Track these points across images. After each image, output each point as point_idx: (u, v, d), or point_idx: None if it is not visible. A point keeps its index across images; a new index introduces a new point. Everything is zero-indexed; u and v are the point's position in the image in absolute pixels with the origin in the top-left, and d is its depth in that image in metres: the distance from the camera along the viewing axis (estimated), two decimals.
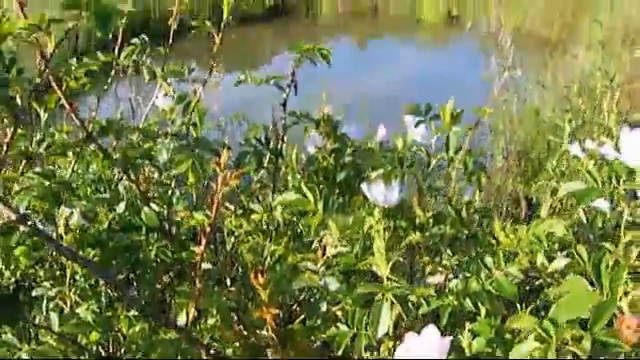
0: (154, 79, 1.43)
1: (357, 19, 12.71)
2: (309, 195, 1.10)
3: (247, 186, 1.66)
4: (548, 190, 1.40)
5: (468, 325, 0.95)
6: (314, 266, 1.03)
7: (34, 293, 1.20)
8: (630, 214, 1.01)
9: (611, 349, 0.71)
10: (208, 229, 1.01)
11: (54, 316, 1.17)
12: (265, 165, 1.56)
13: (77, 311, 1.20)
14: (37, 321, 1.23)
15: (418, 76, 8.29)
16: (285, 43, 11.19)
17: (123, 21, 1.41)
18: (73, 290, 1.21)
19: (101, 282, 1.27)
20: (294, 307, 1.35)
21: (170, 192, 1.45)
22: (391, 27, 12.32)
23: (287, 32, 12.18)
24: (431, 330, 0.82)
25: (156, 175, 1.53)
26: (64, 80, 1.29)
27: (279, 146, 1.52)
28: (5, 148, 1.06)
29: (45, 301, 1.22)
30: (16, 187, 1.28)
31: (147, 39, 1.54)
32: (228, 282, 1.38)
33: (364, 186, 1.13)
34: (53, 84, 1.15)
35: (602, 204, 1.13)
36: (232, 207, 1.45)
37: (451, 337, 0.83)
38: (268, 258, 1.30)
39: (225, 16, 1.34)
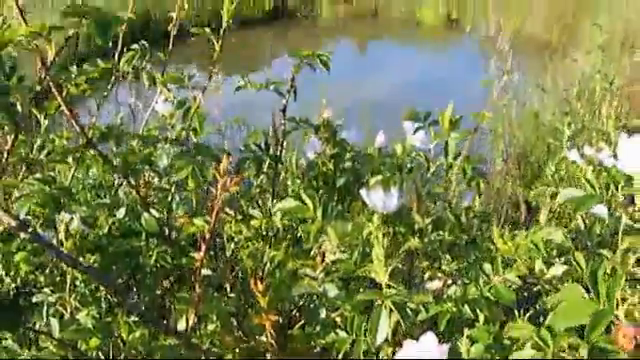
0: (154, 85, 1.43)
1: (357, 22, 12.72)
2: (308, 202, 1.11)
3: (247, 191, 1.66)
4: (547, 195, 1.40)
5: (466, 331, 0.95)
6: (313, 272, 1.03)
7: (34, 299, 1.20)
8: (630, 218, 1.01)
9: (608, 356, 0.71)
10: (208, 235, 1.01)
11: (54, 322, 1.17)
12: (265, 170, 1.56)
13: (77, 317, 1.20)
14: (37, 327, 1.24)
15: (418, 79, 8.29)
16: (285, 46, 11.23)
17: (123, 27, 1.41)
18: (73, 296, 1.22)
19: (101, 287, 1.27)
20: (294, 312, 1.35)
21: (170, 197, 1.45)
22: (391, 30, 12.33)
23: (287, 35, 12.20)
24: (429, 337, 0.82)
25: (156, 180, 1.53)
26: (64, 86, 1.29)
27: (279, 152, 1.52)
28: (5, 155, 1.07)
29: (45, 307, 1.22)
30: (16, 193, 1.29)
31: (147, 45, 1.55)
32: (228, 288, 1.39)
33: (363, 192, 1.14)
34: (53, 90, 1.16)
35: (601, 210, 1.14)
36: (232, 212, 1.45)
37: (449, 343, 0.83)
38: (268, 264, 1.30)
39: (225, 23, 1.35)
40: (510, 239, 0.99)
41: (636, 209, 1.02)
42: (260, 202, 1.72)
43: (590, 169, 1.15)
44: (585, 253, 1.00)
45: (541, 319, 1.06)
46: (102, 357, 1.22)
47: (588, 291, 0.78)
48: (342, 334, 1.00)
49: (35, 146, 1.39)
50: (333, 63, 1.46)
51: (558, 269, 1.00)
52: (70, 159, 1.35)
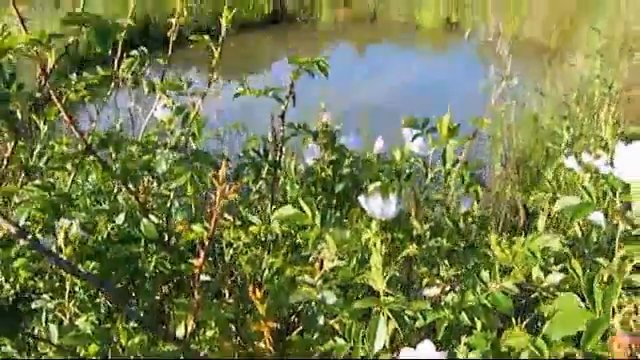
0: (153, 92, 1.44)
1: (356, 26, 12.73)
2: (306, 209, 1.11)
3: (246, 196, 1.67)
4: (545, 202, 1.41)
5: (464, 339, 0.96)
6: (311, 279, 1.04)
7: (33, 305, 1.21)
8: (631, 226, 1.02)
9: None
10: (207, 242, 1.02)
11: (53, 328, 1.18)
12: (263, 176, 1.57)
13: (76, 323, 1.20)
14: (36, 332, 1.24)
15: (417, 83, 8.31)
16: (284, 50, 11.24)
17: (122, 34, 1.41)
18: (72, 302, 1.22)
19: (100, 293, 1.27)
20: (292, 319, 1.36)
21: (169, 203, 1.46)
22: (390, 34, 12.35)
23: (286, 39, 12.21)
24: (427, 345, 0.82)
25: (155, 185, 1.53)
26: (64, 93, 1.30)
27: (277, 157, 1.53)
28: (5, 162, 1.07)
29: (44, 313, 1.23)
30: (16, 199, 1.29)
31: (146, 51, 1.55)
32: (227, 294, 1.39)
33: (362, 199, 1.14)
34: (53, 97, 1.16)
35: (598, 217, 1.14)
36: (230, 218, 1.45)
37: (447, 350, 0.84)
38: (266, 270, 1.31)
39: (223, 31, 1.35)
40: (507, 247, 1.00)
41: (632, 216, 1.03)
42: (259, 208, 1.72)
43: (587, 176, 1.16)
44: (582, 260, 1.00)
45: (539, 324, 1.07)
46: None
47: (585, 299, 0.78)
48: (340, 341, 1.00)
49: (35, 153, 1.39)
50: (332, 66, 1.46)
51: (555, 277, 1.01)
52: (69, 165, 1.35)
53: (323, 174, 1.55)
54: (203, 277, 1.08)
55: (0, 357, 1.19)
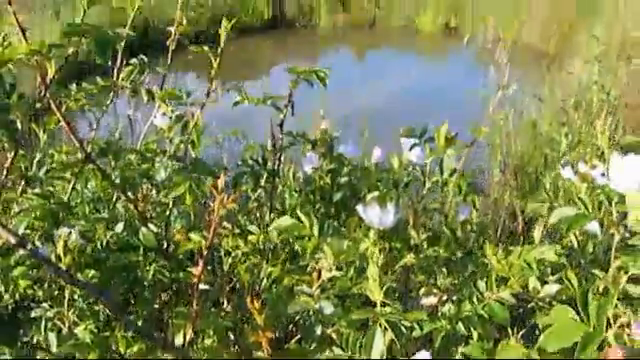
0: (152, 101, 1.45)
1: (355, 31, 12.74)
2: (304, 220, 1.12)
3: (245, 204, 1.67)
4: (543, 209, 1.41)
5: (461, 348, 0.96)
6: (309, 289, 1.04)
7: (33, 314, 1.21)
8: (630, 233, 1.02)
9: None
10: (205, 251, 1.02)
11: (52, 336, 1.18)
12: (262, 184, 1.57)
13: (75, 331, 1.21)
14: (35, 341, 1.24)
15: (416, 88, 8.33)
16: (284, 55, 11.27)
17: (122, 44, 1.42)
18: (72, 310, 1.22)
19: (99, 302, 1.27)
20: (290, 327, 1.36)
21: (168, 212, 1.47)
22: (389, 39, 12.36)
23: (286, 44, 12.23)
24: (423, 354, 0.83)
25: (154, 192, 1.54)
26: (63, 102, 1.30)
27: (276, 166, 1.53)
28: (5, 172, 1.08)
29: (44, 321, 1.23)
30: (15, 208, 1.30)
31: (145, 59, 1.56)
32: (225, 302, 1.39)
33: (360, 208, 1.15)
34: (53, 106, 1.17)
35: (594, 227, 1.15)
36: (229, 226, 1.46)
37: None
38: (264, 279, 1.31)
39: (222, 41, 1.36)
40: (504, 257, 1.00)
41: (629, 224, 1.03)
42: (258, 215, 1.73)
43: (584, 186, 1.16)
44: (578, 271, 1.01)
45: (536, 332, 1.07)
46: None
47: (578, 313, 0.79)
48: (338, 351, 1.00)
49: (34, 161, 1.40)
50: (331, 71, 1.46)
51: (552, 288, 1.02)
52: (69, 174, 1.36)
53: (321, 182, 1.56)
54: (202, 286, 1.09)
55: None
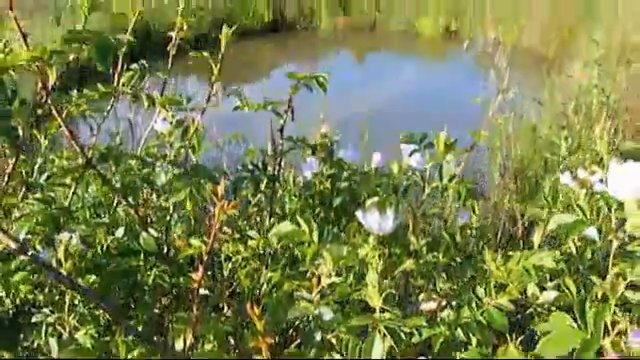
0: (153, 106, 1.45)
1: (356, 34, 12.77)
2: (304, 226, 1.12)
3: (245, 208, 1.68)
4: (543, 213, 1.42)
5: (460, 354, 0.97)
6: (309, 295, 1.04)
7: (34, 319, 1.21)
8: (630, 238, 1.03)
9: None
10: (205, 257, 1.03)
11: (53, 341, 1.18)
12: (262, 189, 1.58)
13: (76, 336, 1.21)
14: (35, 345, 1.25)
15: (416, 91, 8.34)
16: (284, 57, 11.28)
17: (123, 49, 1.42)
18: (72, 316, 1.23)
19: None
20: (290, 332, 1.37)
21: (168, 216, 1.47)
22: (389, 42, 12.38)
23: (286, 46, 12.25)
24: None
25: (154, 197, 1.54)
26: (64, 107, 1.31)
27: (276, 171, 1.54)
28: (7, 179, 1.08)
29: (44, 326, 1.23)
30: (16, 213, 1.30)
31: (146, 64, 1.56)
32: (225, 307, 1.40)
33: (359, 214, 1.15)
34: (54, 112, 1.17)
35: (592, 232, 1.15)
36: (229, 231, 1.46)
37: None
38: (264, 285, 1.32)
39: (223, 47, 1.37)
40: (502, 264, 1.01)
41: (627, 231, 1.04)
42: (258, 219, 1.73)
43: (583, 192, 1.17)
44: (577, 277, 1.01)
45: (535, 338, 1.07)
46: None
47: (576, 320, 0.80)
48: (337, 356, 1.01)
49: (35, 166, 1.40)
50: (331, 74, 1.47)
51: (550, 294, 1.02)
52: (69, 179, 1.36)
53: (321, 187, 1.57)
54: (202, 291, 1.09)
55: None
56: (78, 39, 1.02)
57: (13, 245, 0.99)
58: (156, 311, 1.43)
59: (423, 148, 1.37)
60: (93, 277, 1.30)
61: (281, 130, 1.51)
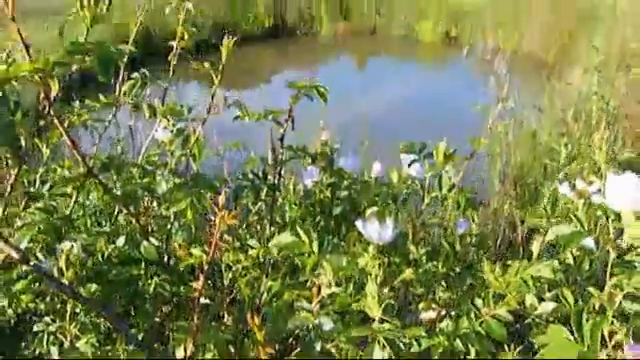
0: (154, 116, 1.46)
1: (356, 39, 12.79)
2: (304, 237, 1.13)
3: (245, 217, 1.68)
4: (542, 221, 1.42)
5: None
6: (309, 305, 1.05)
7: (35, 328, 1.22)
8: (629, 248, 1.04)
9: None
10: (206, 266, 1.03)
11: (54, 350, 1.19)
12: (263, 198, 1.58)
13: (77, 345, 1.22)
14: (37, 354, 1.25)
15: (416, 97, 8.35)
16: (285, 63, 11.29)
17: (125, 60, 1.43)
18: (73, 324, 1.23)
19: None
20: (290, 340, 1.37)
21: (169, 225, 1.48)
22: (390, 47, 12.40)
23: (287, 52, 12.27)
24: None
25: (155, 205, 1.55)
26: (66, 117, 1.32)
27: (276, 180, 1.54)
28: (9, 189, 1.09)
29: (46, 335, 1.24)
30: (18, 222, 1.31)
31: (147, 73, 1.57)
32: (226, 316, 1.40)
33: (359, 223, 1.16)
34: (56, 122, 1.18)
35: (589, 242, 1.16)
36: (230, 239, 1.47)
37: None
38: (265, 294, 1.32)
39: (224, 58, 1.37)
40: (501, 275, 1.02)
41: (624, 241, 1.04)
42: (258, 227, 1.74)
43: (581, 202, 1.17)
44: (575, 288, 1.02)
45: (534, 347, 1.08)
46: None
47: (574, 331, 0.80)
48: None
49: (37, 175, 1.41)
50: (332, 80, 1.47)
51: (548, 306, 1.03)
52: (71, 188, 1.37)
53: (321, 196, 1.57)
54: (202, 300, 1.10)
55: None
56: (81, 51, 1.03)
57: (15, 255, 1.00)
58: (157, 320, 1.44)
59: (422, 158, 1.38)
60: (94, 286, 1.30)
61: (281, 139, 1.51)
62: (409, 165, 1.39)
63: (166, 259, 1.42)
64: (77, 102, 1.32)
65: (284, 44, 12.52)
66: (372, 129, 4.33)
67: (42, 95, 1.11)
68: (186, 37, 1.59)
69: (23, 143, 1.07)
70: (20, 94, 1.18)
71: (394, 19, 12.88)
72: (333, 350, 1.07)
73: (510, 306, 1.00)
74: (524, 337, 1.15)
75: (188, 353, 1.08)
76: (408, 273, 1.17)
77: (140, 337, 1.33)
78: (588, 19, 9.34)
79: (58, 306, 1.32)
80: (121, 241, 1.39)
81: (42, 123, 1.12)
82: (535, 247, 1.21)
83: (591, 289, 0.98)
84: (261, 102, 1.52)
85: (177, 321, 1.22)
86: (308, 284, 1.21)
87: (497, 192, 4.01)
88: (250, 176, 1.55)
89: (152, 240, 1.37)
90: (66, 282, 1.12)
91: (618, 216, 1.02)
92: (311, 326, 1.06)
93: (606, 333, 0.81)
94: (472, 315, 1.03)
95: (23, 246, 1.23)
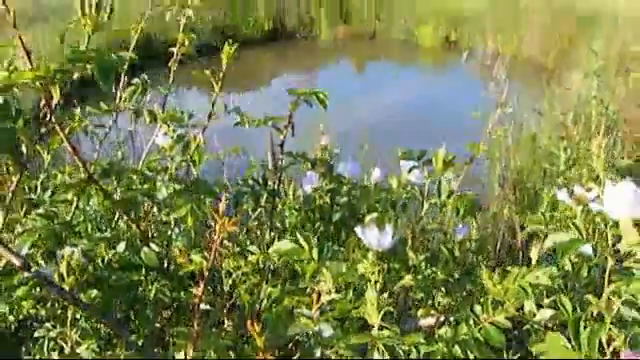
0: (155, 122, 1.46)
1: (355, 43, 12.80)
2: (304, 244, 1.13)
3: (244, 223, 1.69)
4: (541, 225, 1.43)
5: None
6: (309, 311, 1.05)
7: (36, 334, 1.22)
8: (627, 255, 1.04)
9: None
10: (206, 273, 1.04)
11: (55, 356, 1.19)
12: (263, 204, 1.59)
13: (77, 351, 1.22)
14: (38, 359, 1.25)
15: (416, 101, 8.35)
16: (284, 66, 11.31)
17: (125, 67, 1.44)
18: (74, 330, 1.24)
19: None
20: (290, 346, 1.37)
21: (169, 231, 1.48)
22: (389, 51, 12.41)
23: (286, 55, 12.28)
24: None
25: (155, 210, 1.55)
26: (67, 124, 1.32)
27: (276, 186, 1.55)
28: (10, 196, 1.09)
29: (46, 340, 1.24)
30: (19, 228, 1.31)
31: (147, 79, 1.58)
32: (225, 322, 1.41)
33: (358, 230, 1.16)
34: (57, 128, 1.18)
35: (587, 249, 1.17)
36: (229, 244, 1.47)
37: None
38: (265, 300, 1.32)
39: (224, 66, 1.38)
40: (499, 282, 1.02)
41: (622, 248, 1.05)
42: (258, 233, 1.74)
43: (580, 209, 1.18)
44: (573, 295, 1.02)
45: (532, 354, 1.08)
46: None
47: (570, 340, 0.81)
48: None
49: (38, 181, 1.41)
50: (331, 83, 1.48)
51: (546, 313, 1.03)
52: (71, 194, 1.38)
53: (321, 202, 1.58)
54: (203, 306, 1.10)
55: None
56: (82, 59, 1.04)
57: (16, 261, 1.00)
58: (157, 325, 1.44)
59: (422, 165, 1.39)
60: (95, 291, 1.31)
61: (281, 145, 1.52)
62: (409, 172, 1.40)
63: (166, 265, 1.42)
64: (78, 109, 1.33)
65: (284, 48, 12.54)
66: (372, 133, 4.34)
67: (43, 102, 1.12)
68: (186, 44, 1.60)
69: (24, 150, 1.08)
70: (20, 101, 1.19)
71: (394, 23, 12.89)
72: (333, 356, 1.07)
73: (508, 313, 1.00)
74: (523, 343, 1.15)
75: (188, 358, 1.08)
76: (407, 279, 1.18)
77: (140, 343, 1.34)
78: (587, 23, 9.36)
79: (59, 312, 1.32)
80: (122, 247, 1.39)
81: (43, 130, 1.12)
82: (534, 253, 1.21)
83: (589, 296, 0.99)
84: (261, 106, 1.53)
85: (177, 327, 1.23)
86: (308, 290, 1.22)
87: (497, 196, 4.01)
88: (250, 182, 1.56)
89: (152, 246, 1.37)
90: (67, 288, 1.13)
91: (616, 223, 1.02)
92: (311, 332, 1.06)
93: (604, 340, 0.81)
94: (471, 321, 1.03)
95: (24, 252, 1.23)
